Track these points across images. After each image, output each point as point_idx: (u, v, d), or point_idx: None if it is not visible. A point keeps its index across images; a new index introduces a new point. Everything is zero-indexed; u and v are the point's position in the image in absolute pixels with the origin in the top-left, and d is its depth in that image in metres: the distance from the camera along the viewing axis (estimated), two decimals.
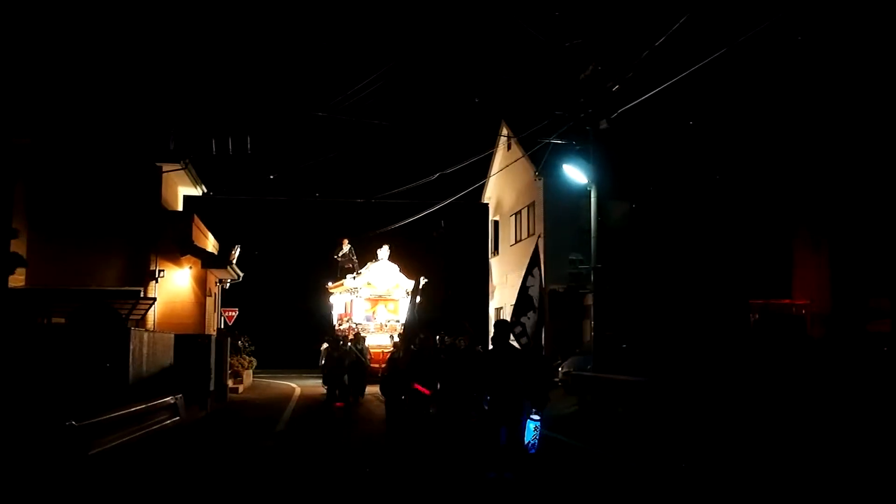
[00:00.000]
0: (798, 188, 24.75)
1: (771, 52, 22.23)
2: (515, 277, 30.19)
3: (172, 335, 17.95)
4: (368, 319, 30.46)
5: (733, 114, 24.87)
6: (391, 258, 31.39)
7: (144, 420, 10.31)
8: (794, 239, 25.60)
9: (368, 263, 31.42)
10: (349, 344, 21.08)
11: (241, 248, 24.71)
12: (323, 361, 21.79)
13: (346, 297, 31.40)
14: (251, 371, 29.10)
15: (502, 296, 31.78)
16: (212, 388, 19.95)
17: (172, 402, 10.41)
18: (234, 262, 24.47)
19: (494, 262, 33.89)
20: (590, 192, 19.50)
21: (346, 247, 32.50)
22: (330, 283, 32.92)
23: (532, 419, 8.40)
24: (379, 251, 31.23)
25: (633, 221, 25.22)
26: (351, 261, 32.13)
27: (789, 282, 25.66)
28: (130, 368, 13.07)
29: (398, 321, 28.70)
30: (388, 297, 31.13)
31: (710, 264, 24.58)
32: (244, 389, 26.06)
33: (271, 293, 49.37)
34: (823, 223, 24.52)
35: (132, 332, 13.30)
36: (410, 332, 14.67)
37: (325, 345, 22.55)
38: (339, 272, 32.12)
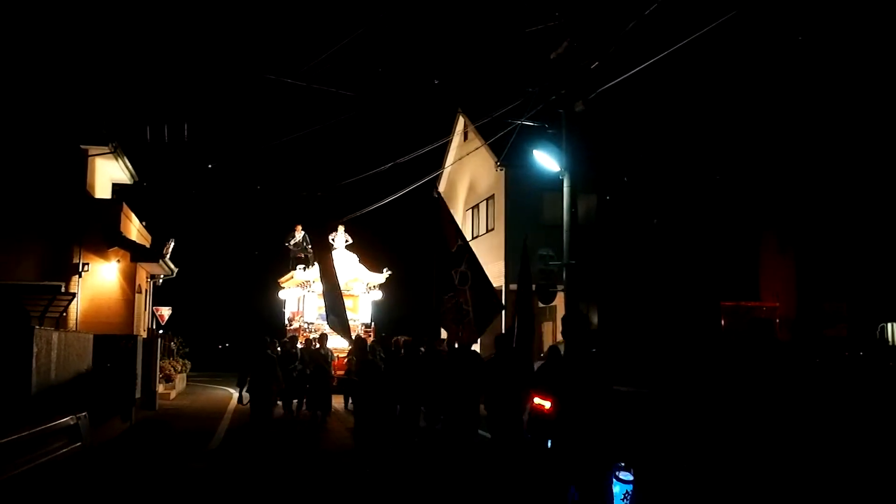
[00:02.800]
0: (766, 190, 24.60)
1: (748, 55, 22.50)
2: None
3: (91, 336, 15.76)
4: (324, 318, 25.39)
5: (709, 112, 24.26)
6: (352, 248, 27.28)
7: (25, 453, 7.91)
8: (761, 241, 25.53)
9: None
10: (313, 347, 19.29)
11: (176, 241, 22.73)
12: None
13: (299, 293, 27.31)
14: (185, 375, 26.95)
15: None
16: (138, 395, 17.85)
17: (72, 423, 8.24)
18: (168, 256, 22.44)
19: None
20: (562, 180, 17.76)
21: (299, 234, 28.07)
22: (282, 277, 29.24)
23: (621, 479, 6.45)
24: (333, 237, 26.42)
25: (606, 215, 23.65)
26: (304, 250, 27.74)
27: (756, 284, 25.53)
28: (34, 376, 10.92)
29: (358, 321, 25.86)
30: (347, 293, 25.31)
31: (682, 263, 23.70)
32: (176, 395, 23.96)
33: (211, 290, 47.24)
34: (790, 227, 24.64)
35: (36, 331, 11.12)
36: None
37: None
38: (291, 263, 27.85)
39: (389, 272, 26.47)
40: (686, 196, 24.06)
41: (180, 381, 25.79)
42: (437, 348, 14.96)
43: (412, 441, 11.80)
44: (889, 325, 21.84)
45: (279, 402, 16.58)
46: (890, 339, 21.80)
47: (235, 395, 24.24)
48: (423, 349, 13.86)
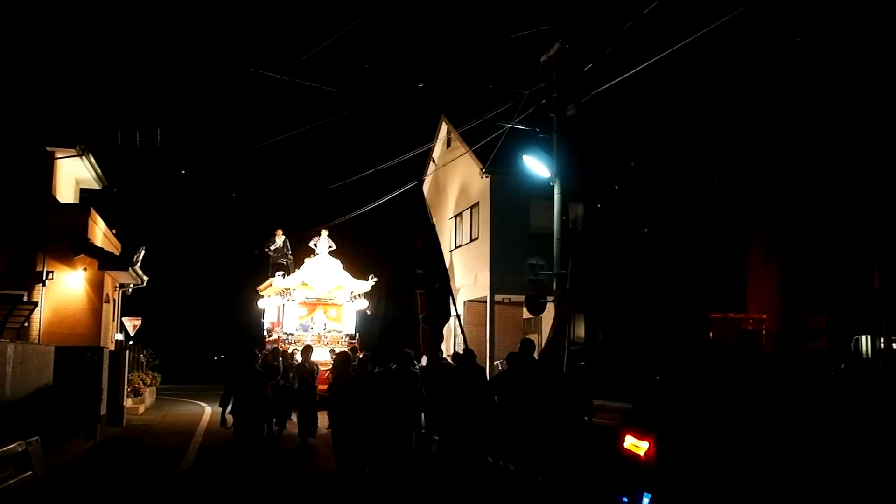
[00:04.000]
0: (754, 200, 24.45)
1: (738, 64, 22.41)
2: (451, 286, 27.69)
3: (52, 348, 14.76)
4: (306, 329, 24.73)
5: (700, 121, 24.00)
6: (336, 253, 25.82)
7: None
8: (748, 252, 25.30)
9: (305, 260, 25.68)
10: (293, 360, 18.14)
11: (147, 249, 21.80)
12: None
13: (278, 301, 25.88)
14: (155, 388, 25.91)
15: None
16: (104, 411, 16.86)
17: (21, 449, 7.29)
18: (139, 264, 21.50)
19: None
20: (552, 187, 17.02)
21: (279, 239, 26.72)
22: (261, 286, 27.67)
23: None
24: (315, 242, 25.50)
25: (597, 223, 22.97)
26: (285, 256, 26.61)
27: (743, 295, 25.26)
28: None
29: (341, 332, 24.81)
30: (329, 302, 25.32)
31: (671, 274, 23.28)
32: (145, 410, 22.94)
33: (184, 300, 46.12)
34: (774, 239, 24.62)
35: None
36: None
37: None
38: (270, 270, 26.09)
39: (376, 279, 25.23)
40: (676, 205, 23.55)
41: (150, 395, 24.76)
42: (441, 361, 14.22)
43: (396, 469, 10.71)
44: (863, 337, 22.30)
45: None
46: (864, 351, 22.34)
47: (208, 410, 23.27)
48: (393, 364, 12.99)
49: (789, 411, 6.32)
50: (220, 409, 11.32)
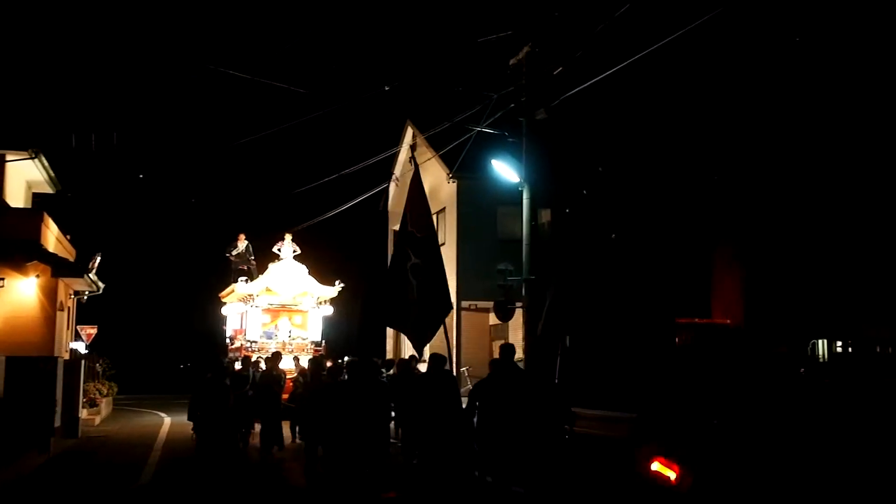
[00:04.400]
0: (719, 206, 24.55)
1: (708, 68, 22.53)
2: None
3: (3, 358, 14.17)
4: (270, 336, 23.84)
5: (669, 126, 24.01)
6: (301, 258, 24.78)
7: None
8: (713, 257, 25.43)
9: (269, 265, 24.55)
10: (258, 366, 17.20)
11: (103, 256, 21.19)
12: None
13: (241, 308, 24.83)
14: (111, 398, 25.20)
15: None
16: (58, 423, 16.23)
17: None
18: (94, 271, 20.87)
19: None
20: (520, 192, 16.79)
21: (241, 244, 25.71)
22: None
23: None
24: (279, 247, 24.55)
25: (566, 228, 22.81)
26: (247, 261, 25.54)
27: (709, 301, 25.39)
28: None
29: (307, 339, 23.93)
30: (294, 308, 24.42)
31: (639, 279, 23.33)
32: (102, 421, 22.22)
33: (143, 307, 45.24)
34: (738, 244, 24.79)
35: None
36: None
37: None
38: (232, 275, 25.17)
39: (342, 285, 24.45)
40: (643, 211, 23.55)
41: (107, 406, 24.08)
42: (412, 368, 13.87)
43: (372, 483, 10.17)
44: (818, 341, 22.96)
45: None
46: (820, 355, 22.97)
47: (167, 420, 22.62)
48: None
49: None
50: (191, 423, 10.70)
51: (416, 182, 12.83)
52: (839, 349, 23.69)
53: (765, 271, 23.80)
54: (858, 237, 22.68)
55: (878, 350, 24.66)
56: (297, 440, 16.43)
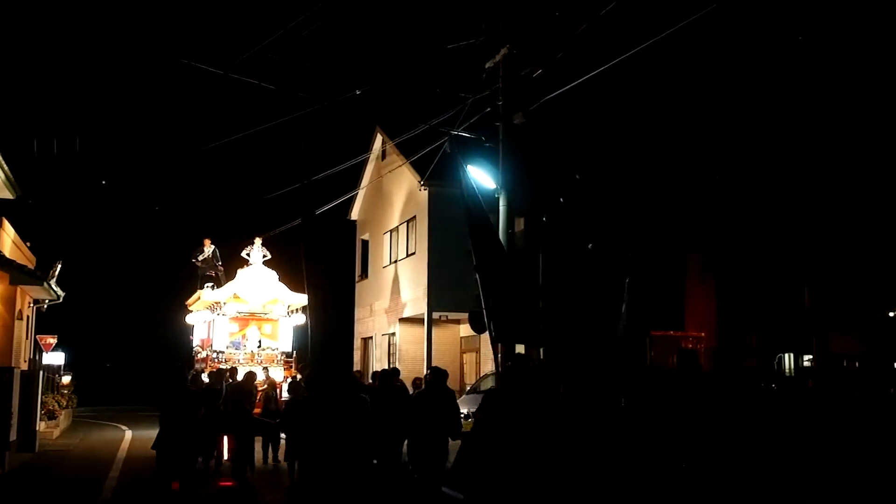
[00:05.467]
0: (692, 217, 24.31)
1: (684, 75, 22.26)
2: (385, 304, 26.90)
3: None
4: (237, 346, 22.59)
5: (644, 134, 23.87)
6: (272, 263, 23.61)
7: None
8: (686, 269, 25.16)
9: (238, 271, 23.32)
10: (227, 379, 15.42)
11: (65, 263, 20.52)
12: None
13: (208, 317, 23.64)
14: (71, 411, 24.50)
15: (373, 324, 28.28)
16: (14, 437, 15.56)
17: None
18: (56, 279, 20.24)
19: (361, 287, 30.35)
20: (497, 199, 16.40)
21: (208, 249, 24.63)
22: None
23: None
24: (249, 252, 23.42)
25: (540, 237, 22.51)
26: (214, 267, 24.40)
27: (682, 313, 24.94)
28: None
29: (277, 349, 22.85)
30: (264, 316, 23.17)
31: (615, 290, 23.12)
32: (61, 434, 21.55)
33: (106, 316, 44.36)
34: (711, 256, 24.68)
35: None
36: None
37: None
38: (199, 282, 23.92)
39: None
40: (619, 220, 23.31)
41: (66, 419, 23.37)
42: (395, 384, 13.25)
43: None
44: (785, 355, 23.02)
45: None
46: (786, 369, 23.03)
47: (129, 434, 21.89)
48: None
49: None
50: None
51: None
52: (806, 363, 23.75)
53: (735, 283, 23.69)
54: (827, 251, 22.72)
55: (844, 364, 25.01)
56: (272, 461, 15.48)
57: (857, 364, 25.83)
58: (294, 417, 10.39)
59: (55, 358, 25.34)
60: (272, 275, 23.31)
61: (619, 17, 13.47)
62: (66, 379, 26.68)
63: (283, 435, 14.03)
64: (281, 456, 14.91)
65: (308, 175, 15.97)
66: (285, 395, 19.29)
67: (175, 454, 9.52)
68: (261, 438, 15.41)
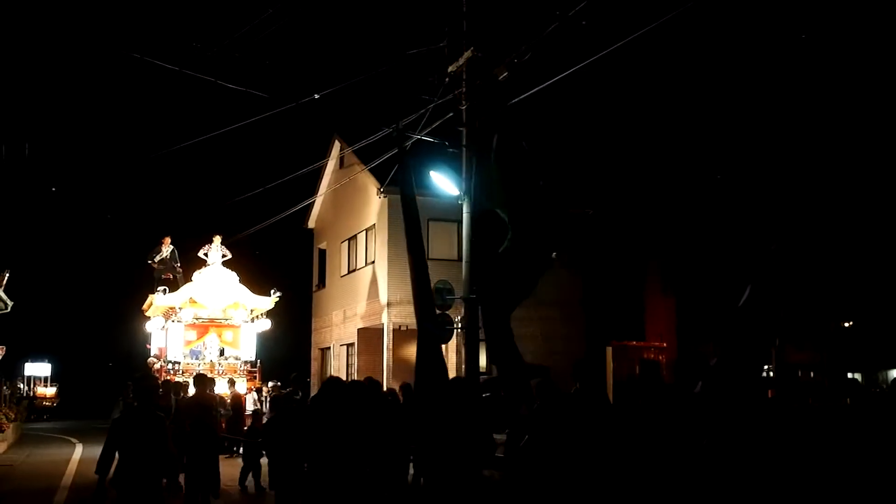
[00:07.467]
0: (651, 227, 24.52)
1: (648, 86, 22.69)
2: (343, 314, 26.50)
3: None
4: (196, 356, 21.26)
5: (609, 141, 23.83)
6: (232, 264, 22.44)
7: None
8: (646, 279, 25.34)
9: (194, 273, 22.06)
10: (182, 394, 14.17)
11: (12, 273, 20.09)
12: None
13: (164, 323, 22.23)
14: (20, 424, 23.81)
15: (330, 334, 27.86)
16: None
17: None
18: (3, 287, 19.75)
19: (319, 297, 29.90)
20: (460, 205, 16.18)
21: (166, 249, 22.98)
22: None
23: None
24: (206, 251, 22.20)
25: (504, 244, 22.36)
26: (172, 268, 22.71)
27: (642, 323, 25.14)
28: None
29: (239, 359, 21.62)
30: (224, 322, 21.84)
31: (576, 300, 23.09)
32: (8, 448, 20.93)
33: (58, 326, 43.26)
34: (670, 266, 24.82)
35: None
36: None
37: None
38: (154, 285, 22.22)
39: (279, 294, 21.92)
40: (580, 228, 23.25)
41: (14, 432, 22.64)
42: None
43: None
44: None
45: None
46: None
47: (80, 448, 20.92)
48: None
49: None
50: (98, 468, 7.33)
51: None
52: (763, 374, 23.92)
53: (696, 294, 23.83)
54: (783, 263, 22.85)
55: (799, 374, 25.21)
56: (253, 489, 13.64)
57: (811, 374, 26.19)
58: (283, 436, 9.47)
59: (40, 369, 24.51)
60: (232, 276, 22.04)
61: (587, 18, 13.25)
62: (51, 391, 25.78)
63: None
64: (265, 482, 13.06)
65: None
66: (249, 408, 18.64)
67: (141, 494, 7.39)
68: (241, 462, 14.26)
